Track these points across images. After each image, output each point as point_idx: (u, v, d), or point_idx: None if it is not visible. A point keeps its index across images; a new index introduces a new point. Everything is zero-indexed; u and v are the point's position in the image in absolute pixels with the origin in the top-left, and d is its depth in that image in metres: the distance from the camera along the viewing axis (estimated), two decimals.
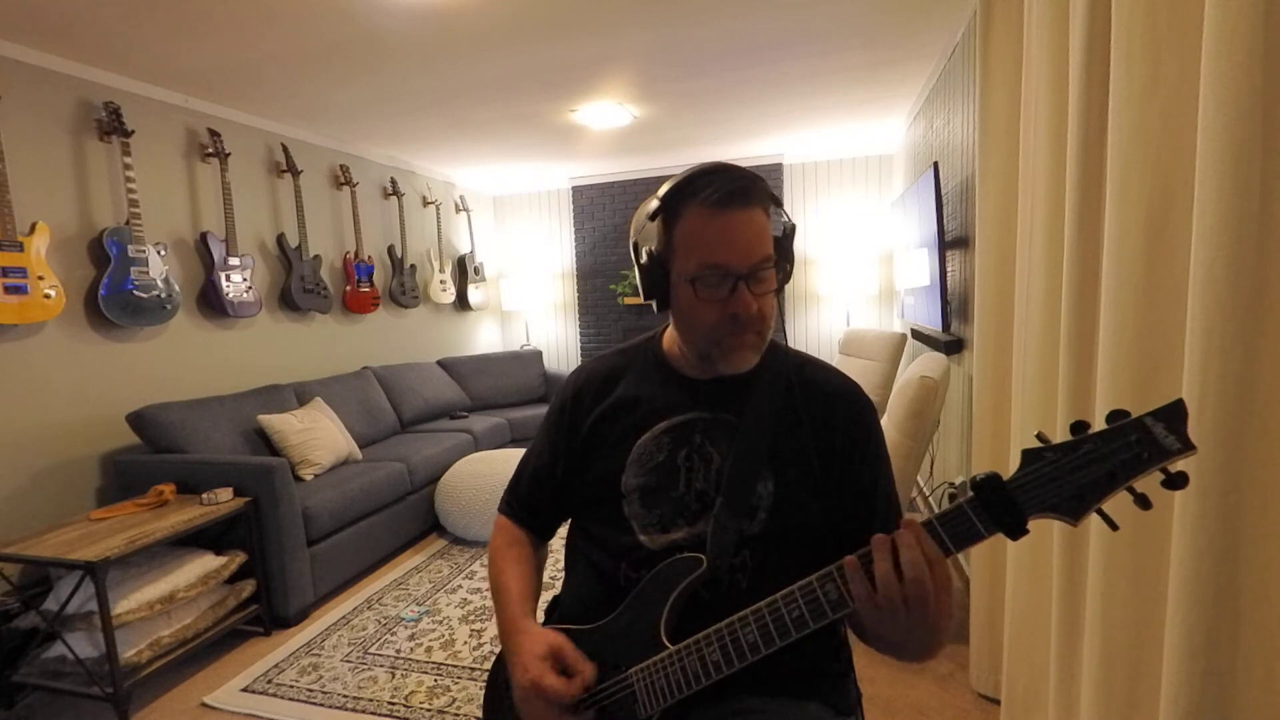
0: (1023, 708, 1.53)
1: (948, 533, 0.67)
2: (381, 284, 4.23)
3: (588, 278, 5.37)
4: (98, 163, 2.60)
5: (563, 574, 1.02)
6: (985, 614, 1.81)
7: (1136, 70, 0.94)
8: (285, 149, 3.44)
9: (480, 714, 1.05)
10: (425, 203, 4.74)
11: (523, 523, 1.03)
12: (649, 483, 0.88)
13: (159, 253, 2.69)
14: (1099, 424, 0.63)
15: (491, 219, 5.68)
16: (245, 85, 2.85)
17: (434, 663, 2.16)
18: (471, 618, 2.45)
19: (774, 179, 4.82)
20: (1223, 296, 0.73)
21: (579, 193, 5.30)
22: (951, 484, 2.76)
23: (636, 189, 5.14)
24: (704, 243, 0.80)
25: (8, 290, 2.18)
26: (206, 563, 2.23)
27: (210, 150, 3.02)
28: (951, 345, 2.60)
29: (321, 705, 1.95)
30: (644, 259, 0.85)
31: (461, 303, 5.08)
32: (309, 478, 2.81)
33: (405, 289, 4.37)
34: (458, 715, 1.88)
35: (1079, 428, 0.63)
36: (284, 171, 3.47)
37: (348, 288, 3.90)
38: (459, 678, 2.07)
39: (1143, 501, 0.62)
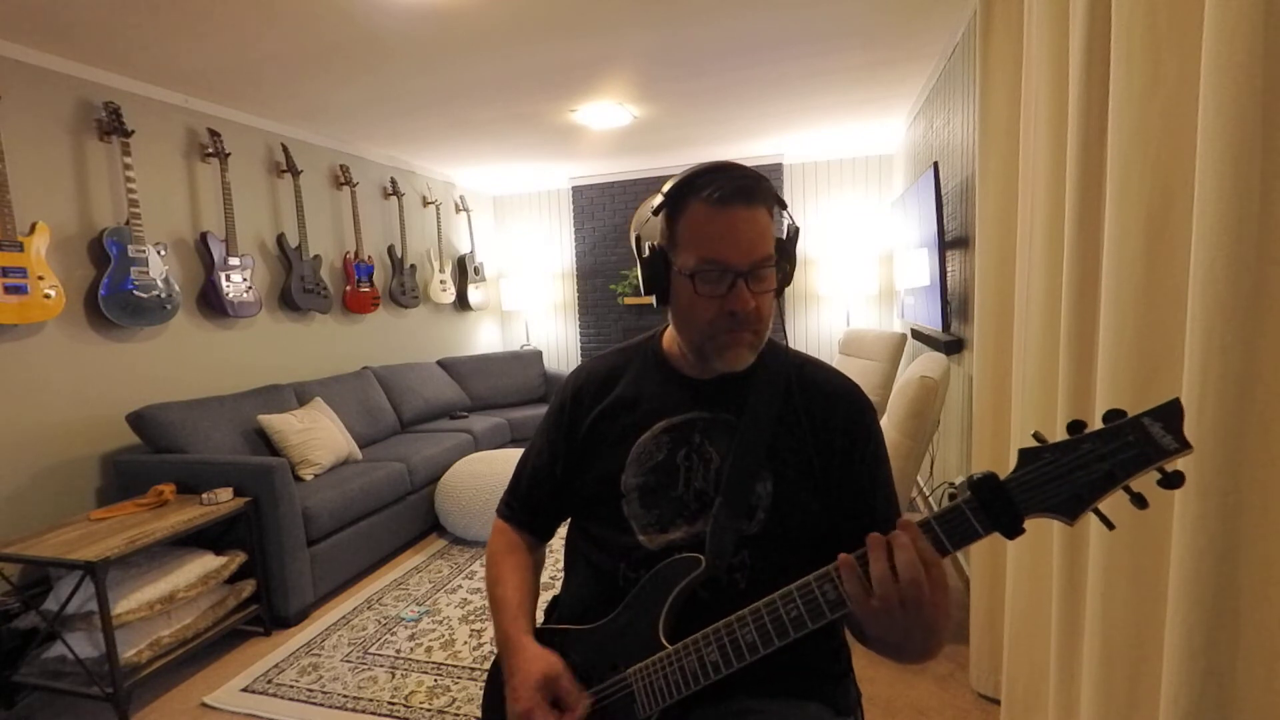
0: (1023, 708, 1.53)
1: (945, 532, 0.67)
2: (381, 284, 4.23)
3: (588, 278, 5.37)
4: (98, 163, 2.60)
5: (563, 574, 1.02)
6: (985, 614, 1.80)
7: (1136, 70, 0.94)
8: (285, 149, 3.45)
9: (480, 714, 1.05)
10: (425, 203, 4.74)
11: (521, 525, 1.03)
12: (648, 482, 0.88)
13: (159, 253, 2.69)
14: (1098, 424, 0.63)
15: (491, 219, 5.68)
16: (245, 85, 2.85)
17: (434, 663, 2.16)
18: (471, 618, 2.45)
19: (774, 179, 4.82)
20: (1223, 296, 0.73)
21: (579, 193, 5.30)
22: (951, 484, 2.76)
23: (636, 189, 5.14)
24: (705, 238, 0.80)
25: (8, 290, 2.19)
26: (206, 563, 2.23)
27: (210, 150, 3.02)
28: (951, 345, 2.60)
29: (321, 705, 1.95)
30: (646, 253, 0.86)
31: (461, 303, 5.08)
32: (309, 478, 2.81)
33: (405, 289, 4.37)
34: (458, 715, 1.88)
35: (1076, 427, 0.64)
36: (284, 171, 3.47)
37: (348, 288, 3.90)
38: (459, 678, 2.07)
39: (1139, 501, 0.62)
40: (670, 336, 0.95)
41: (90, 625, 1.90)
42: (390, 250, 4.30)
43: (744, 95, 3.30)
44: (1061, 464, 0.63)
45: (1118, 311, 0.98)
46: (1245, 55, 0.70)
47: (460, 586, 2.73)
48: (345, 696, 1.99)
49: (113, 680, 1.87)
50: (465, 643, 2.27)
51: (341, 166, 3.89)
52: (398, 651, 2.23)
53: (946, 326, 2.72)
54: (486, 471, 3.17)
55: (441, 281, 4.73)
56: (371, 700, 1.96)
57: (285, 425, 2.87)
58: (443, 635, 2.33)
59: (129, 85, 2.71)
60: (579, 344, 5.51)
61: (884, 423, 2.23)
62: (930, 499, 3.23)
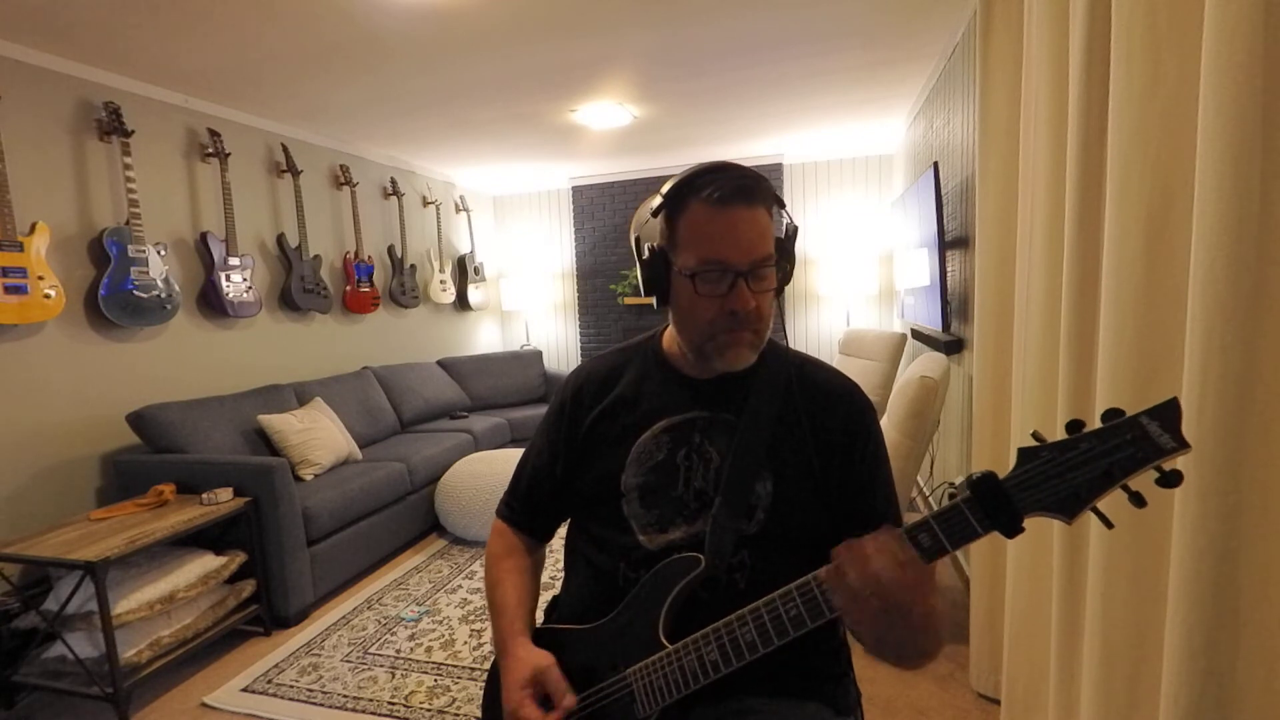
0: (1023, 708, 1.53)
1: (944, 531, 0.67)
2: (381, 284, 4.23)
3: (588, 278, 5.37)
4: (98, 163, 2.60)
5: (563, 574, 1.02)
6: (985, 614, 1.81)
7: (1136, 70, 0.94)
8: (285, 149, 3.45)
9: (480, 714, 1.05)
10: (425, 203, 4.74)
11: (521, 525, 1.03)
12: (648, 482, 0.88)
13: (159, 253, 2.69)
14: (1097, 424, 0.63)
15: (491, 219, 5.68)
16: (245, 85, 2.85)
17: (434, 663, 2.16)
18: (471, 618, 2.45)
19: (774, 179, 4.82)
20: (1223, 296, 0.73)
21: (579, 193, 5.30)
22: (951, 484, 2.76)
23: (636, 189, 5.14)
24: (705, 238, 0.80)
25: (8, 290, 2.19)
26: (206, 563, 2.23)
27: (210, 150, 3.02)
28: (951, 345, 2.60)
29: (321, 705, 1.95)
30: (645, 254, 0.86)
31: (461, 303, 5.08)
32: (309, 478, 2.81)
33: (405, 289, 4.37)
34: (458, 715, 1.88)
35: (1074, 427, 0.64)
36: (284, 171, 3.47)
37: (348, 288, 3.90)
38: (459, 678, 2.07)
39: (1138, 499, 0.62)
40: (670, 336, 0.95)
41: (90, 625, 1.90)
42: (390, 250, 4.30)
43: (744, 95, 3.30)
44: (1060, 463, 0.63)
45: (1118, 311, 0.98)
46: (1245, 55, 0.70)
47: (460, 586, 2.73)
48: (345, 696, 1.99)
49: (113, 680, 1.87)
50: (465, 643, 2.27)
51: (341, 166, 3.89)
52: (398, 651, 2.23)
53: (946, 326, 2.72)
54: (486, 471, 3.17)
55: (441, 281, 4.73)
56: (371, 700, 1.96)
57: (285, 425, 2.87)
58: (443, 635, 2.33)
59: (129, 85, 2.71)
60: (579, 344, 5.51)
61: (884, 423, 2.23)
62: (930, 499, 3.23)
